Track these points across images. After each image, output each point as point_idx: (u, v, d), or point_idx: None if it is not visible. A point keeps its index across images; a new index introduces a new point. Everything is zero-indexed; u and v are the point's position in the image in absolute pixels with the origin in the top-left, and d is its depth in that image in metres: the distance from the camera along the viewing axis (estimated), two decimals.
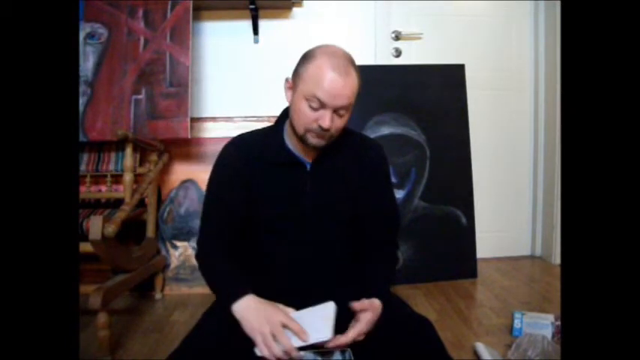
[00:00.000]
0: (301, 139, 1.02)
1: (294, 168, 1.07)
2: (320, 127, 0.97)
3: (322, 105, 0.96)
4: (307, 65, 0.99)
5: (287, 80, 1.05)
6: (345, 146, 1.09)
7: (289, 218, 1.06)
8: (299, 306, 0.97)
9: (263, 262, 1.08)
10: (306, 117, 0.98)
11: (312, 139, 1.00)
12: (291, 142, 1.08)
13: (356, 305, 0.94)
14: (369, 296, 0.98)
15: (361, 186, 1.10)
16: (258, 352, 0.88)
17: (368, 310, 0.94)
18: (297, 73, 1.02)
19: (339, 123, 1.00)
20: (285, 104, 1.09)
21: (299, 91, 0.99)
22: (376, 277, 1.06)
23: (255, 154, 1.07)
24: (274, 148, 1.07)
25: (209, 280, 1.05)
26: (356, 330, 0.91)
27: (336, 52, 0.99)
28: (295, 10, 2.40)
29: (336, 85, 0.95)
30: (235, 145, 1.11)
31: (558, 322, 1.59)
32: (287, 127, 1.09)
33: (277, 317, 0.90)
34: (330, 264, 1.08)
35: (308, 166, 1.07)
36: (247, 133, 1.15)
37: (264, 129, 1.16)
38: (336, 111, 0.97)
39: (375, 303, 0.97)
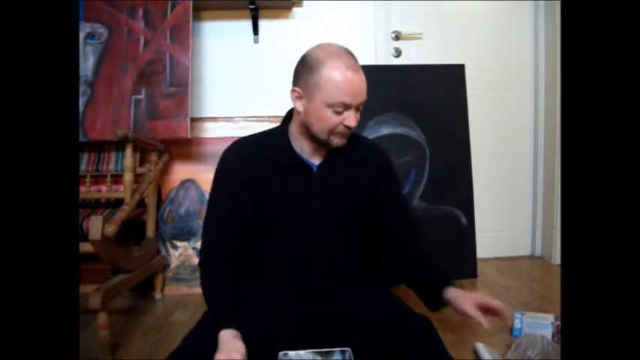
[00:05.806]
0: (324, 143, 1.03)
1: (300, 170, 1.07)
2: (347, 127, 1.00)
3: (347, 107, 0.98)
4: (319, 72, 0.98)
5: (294, 90, 1.03)
6: (350, 149, 1.09)
7: (295, 220, 1.06)
8: (301, 307, 0.96)
9: (268, 263, 1.08)
10: (332, 122, 1.00)
11: (337, 140, 1.02)
12: (296, 144, 1.08)
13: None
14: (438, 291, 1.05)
15: (372, 194, 1.11)
16: None
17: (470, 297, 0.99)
18: (307, 82, 1.00)
19: (359, 117, 1.03)
20: (288, 105, 1.09)
21: (318, 100, 0.98)
22: (437, 274, 1.13)
23: (258, 156, 1.07)
24: (280, 150, 1.07)
25: (205, 294, 1.03)
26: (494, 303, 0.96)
27: (340, 52, 1.00)
28: (295, 10, 2.40)
29: (356, 85, 0.98)
30: (237, 149, 1.10)
31: (558, 322, 1.59)
32: (292, 130, 1.08)
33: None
34: (334, 265, 1.07)
35: (314, 168, 1.07)
36: (248, 136, 1.14)
37: (265, 132, 1.15)
38: (356, 107, 1.01)
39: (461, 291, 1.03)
